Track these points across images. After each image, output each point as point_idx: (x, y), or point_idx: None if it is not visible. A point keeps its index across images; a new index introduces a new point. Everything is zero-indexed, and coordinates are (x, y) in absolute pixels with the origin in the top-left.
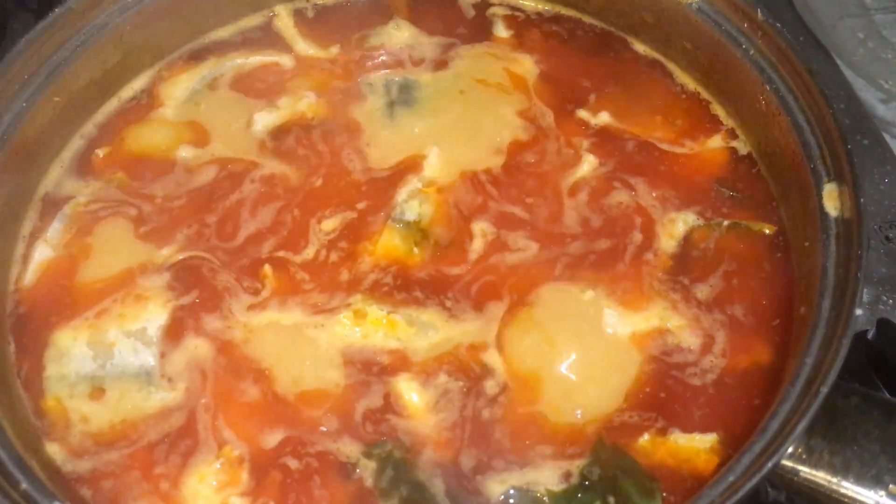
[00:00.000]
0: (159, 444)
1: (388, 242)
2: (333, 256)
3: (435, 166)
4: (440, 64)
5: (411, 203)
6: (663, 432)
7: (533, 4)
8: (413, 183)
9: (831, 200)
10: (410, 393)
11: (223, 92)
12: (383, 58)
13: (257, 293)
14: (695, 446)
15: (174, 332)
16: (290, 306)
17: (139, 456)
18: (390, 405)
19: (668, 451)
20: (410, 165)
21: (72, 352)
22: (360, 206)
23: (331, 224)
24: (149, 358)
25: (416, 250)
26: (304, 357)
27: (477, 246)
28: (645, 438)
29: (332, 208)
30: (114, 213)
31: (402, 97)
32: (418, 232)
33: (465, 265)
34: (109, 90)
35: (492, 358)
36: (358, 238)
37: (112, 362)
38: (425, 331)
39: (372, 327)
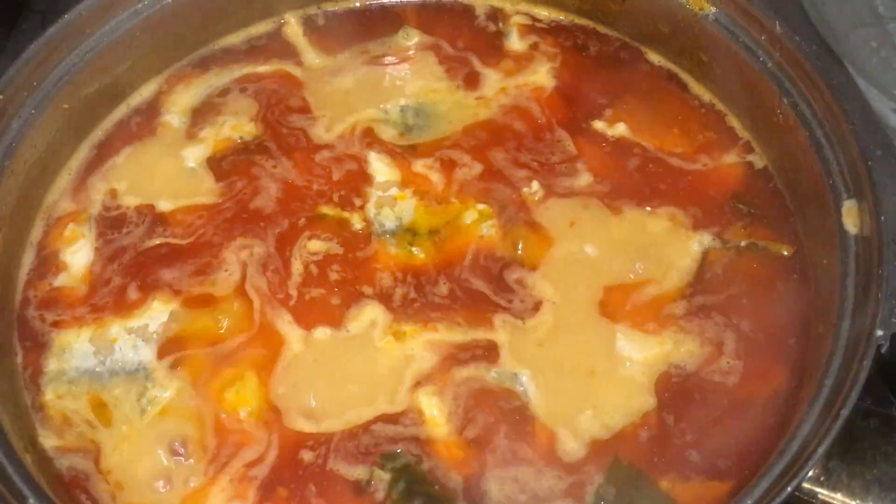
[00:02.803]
0: (162, 449)
1: (385, 253)
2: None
3: (383, 170)
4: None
5: (385, 212)
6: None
7: (547, 13)
8: (375, 194)
9: (851, 217)
10: (432, 409)
11: None
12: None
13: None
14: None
15: (176, 339)
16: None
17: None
18: (410, 418)
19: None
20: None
21: (74, 347)
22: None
23: (316, 245)
24: (148, 355)
25: (415, 250)
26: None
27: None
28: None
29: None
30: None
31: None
32: (408, 234)
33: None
34: (118, 97)
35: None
36: (357, 258)
37: (112, 358)
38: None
39: (412, 339)
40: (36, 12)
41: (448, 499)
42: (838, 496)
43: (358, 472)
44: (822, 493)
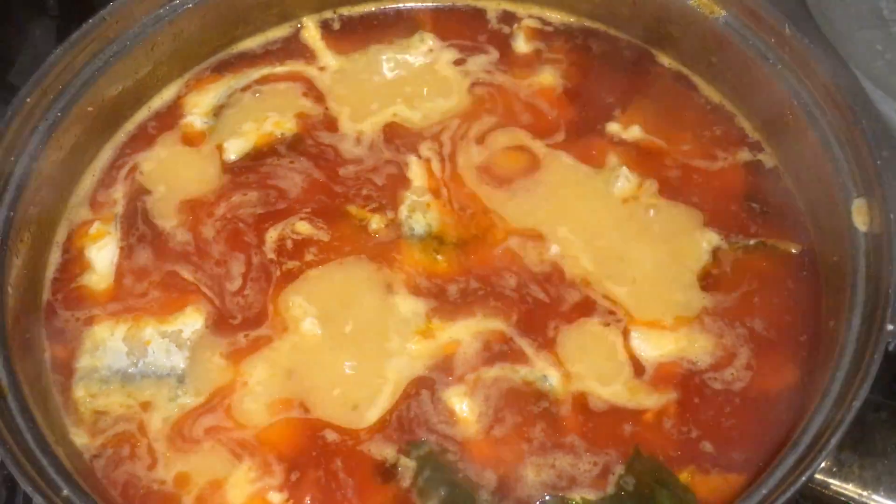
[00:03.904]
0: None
1: (410, 257)
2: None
3: (421, 175)
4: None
5: (416, 216)
6: (700, 459)
7: (559, 17)
8: (409, 198)
9: (860, 215)
10: (462, 406)
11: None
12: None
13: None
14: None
15: (213, 338)
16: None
17: (176, 454)
18: (439, 410)
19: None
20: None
21: (107, 345)
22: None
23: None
24: (180, 361)
25: (439, 258)
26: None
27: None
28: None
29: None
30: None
31: None
32: (434, 240)
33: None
34: (140, 100)
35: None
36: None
37: (145, 360)
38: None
39: (440, 336)
40: (51, 17)
41: (473, 487)
42: (850, 486)
43: (386, 452)
44: (835, 483)
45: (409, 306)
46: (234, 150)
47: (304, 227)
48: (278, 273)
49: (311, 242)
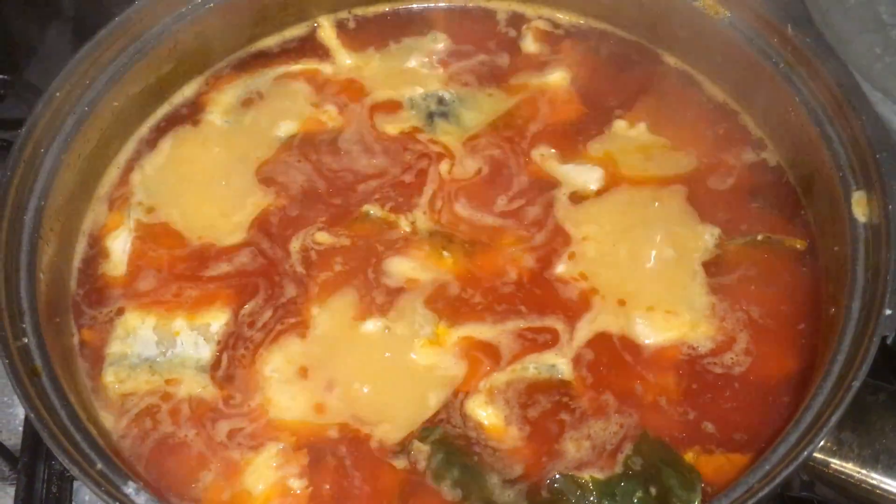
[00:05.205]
0: (220, 427)
1: (418, 250)
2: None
3: (435, 177)
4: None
5: (427, 217)
6: (704, 441)
7: (567, 18)
8: (424, 200)
9: (860, 207)
10: (482, 410)
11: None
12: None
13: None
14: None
15: (239, 332)
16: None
17: (201, 436)
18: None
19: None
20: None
21: (138, 333)
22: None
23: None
24: (206, 353)
25: (445, 254)
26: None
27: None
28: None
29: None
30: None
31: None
32: (443, 238)
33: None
34: (162, 96)
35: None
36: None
37: (173, 350)
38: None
39: (447, 341)
40: (66, 18)
41: (486, 468)
42: (849, 465)
43: (399, 461)
44: (835, 462)
45: (420, 307)
46: (285, 129)
47: (323, 237)
48: (301, 271)
49: (335, 251)
